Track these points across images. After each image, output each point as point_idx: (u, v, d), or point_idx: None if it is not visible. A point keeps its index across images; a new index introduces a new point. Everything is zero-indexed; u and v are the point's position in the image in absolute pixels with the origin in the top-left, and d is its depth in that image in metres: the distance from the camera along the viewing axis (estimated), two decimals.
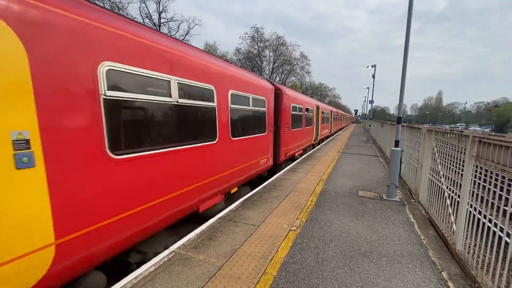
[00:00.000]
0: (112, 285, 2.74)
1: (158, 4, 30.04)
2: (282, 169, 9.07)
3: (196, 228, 4.15)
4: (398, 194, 6.06)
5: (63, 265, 2.38)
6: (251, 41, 53.08)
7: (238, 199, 5.59)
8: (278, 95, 8.68)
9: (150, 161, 3.24)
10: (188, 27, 33.38)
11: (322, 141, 19.83)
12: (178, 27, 33.16)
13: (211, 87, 4.54)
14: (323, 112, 18.54)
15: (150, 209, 3.27)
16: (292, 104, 9.88)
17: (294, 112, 10.14)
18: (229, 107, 5.20)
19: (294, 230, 4.10)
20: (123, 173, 2.89)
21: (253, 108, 6.47)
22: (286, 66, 58.70)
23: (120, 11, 21.30)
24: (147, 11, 29.87)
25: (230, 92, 5.21)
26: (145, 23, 29.81)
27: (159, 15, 30.74)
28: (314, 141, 15.48)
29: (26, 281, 2.15)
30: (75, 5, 2.46)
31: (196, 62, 4.17)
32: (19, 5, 2.02)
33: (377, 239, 3.90)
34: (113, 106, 2.76)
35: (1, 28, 1.92)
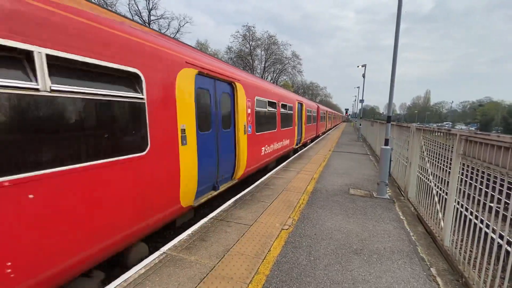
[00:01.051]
0: None
1: (148, 1, 29.55)
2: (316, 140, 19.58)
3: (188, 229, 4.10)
4: (388, 191, 6.17)
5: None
6: (242, 40, 52.89)
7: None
8: (317, 107, 21.43)
9: (308, 126, 16.27)
10: (179, 25, 33.01)
11: (326, 132, 30.51)
12: (169, 25, 32.69)
13: (315, 110, 20.05)
14: (329, 114, 35.06)
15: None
16: (321, 111, 23.24)
17: (321, 115, 23.59)
18: (318, 115, 21.35)
19: (287, 229, 4.11)
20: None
21: (313, 114, 18.65)
22: (278, 65, 58.81)
23: (109, 7, 20.79)
24: (137, 8, 29.34)
25: (316, 109, 20.21)
26: (134, 20, 29.36)
27: (149, 12, 30.26)
28: (325, 129, 29.16)
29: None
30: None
31: (310, 104, 17.88)
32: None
33: (368, 236, 3.95)
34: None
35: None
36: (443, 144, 4.00)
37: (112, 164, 2.81)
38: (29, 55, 2.11)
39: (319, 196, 5.83)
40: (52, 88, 2.24)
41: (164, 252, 3.37)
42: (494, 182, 2.55)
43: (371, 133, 16.43)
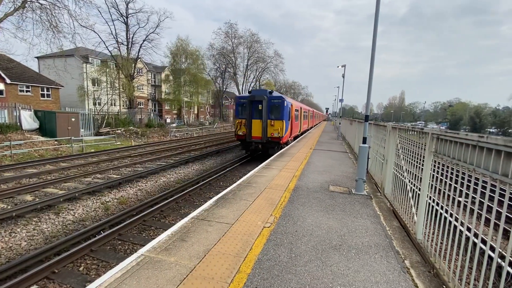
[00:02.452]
0: None
1: None
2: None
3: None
4: (365, 188, 6.38)
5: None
6: (225, 37, 52.35)
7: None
8: (313, 111, 40.62)
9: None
10: (159, 19, 32.02)
11: (313, 127, 40.24)
12: (148, 19, 31.58)
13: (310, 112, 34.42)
14: (314, 113, 46.03)
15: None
16: (312, 112, 37.21)
17: (314, 115, 44.77)
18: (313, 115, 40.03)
19: (268, 227, 4.13)
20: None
21: (310, 114, 33.69)
22: (260, 64, 58.80)
23: None
24: (113, 0, 28.02)
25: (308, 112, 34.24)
26: (111, 13, 27.83)
27: (127, 5, 29.04)
28: (312, 124, 38.58)
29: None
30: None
31: (315, 111, 49.18)
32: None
33: (347, 232, 4.06)
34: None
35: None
36: (416, 142, 4.18)
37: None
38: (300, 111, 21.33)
39: (300, 193, 5.90)
40: (303, 114, 24.53)
41: (142, 254, 3.25)
42: (463, 178, 2.70)
43: (350, 132, 16.93)
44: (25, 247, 5.36)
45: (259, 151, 14.96)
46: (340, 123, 24.30)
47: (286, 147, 14.40)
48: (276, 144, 14.05)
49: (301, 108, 21.71)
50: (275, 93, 14.21)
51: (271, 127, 13.71)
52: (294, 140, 18.32)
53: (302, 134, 23.93)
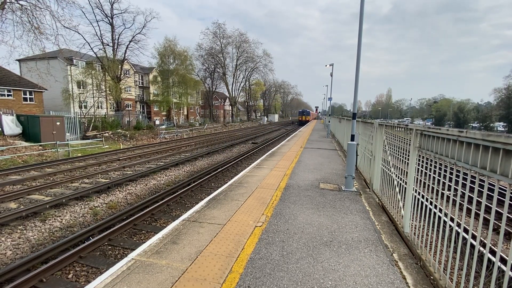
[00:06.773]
0: None
1: None
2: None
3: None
4: (355, 184, 6.49)
5: None
6: (213, 37, 52.11)
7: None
8: (310, 112, 73.57)
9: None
10: (145, 20, 31.48)
11: (309, 121, 60.13)
12: (134, 20, 31.06)
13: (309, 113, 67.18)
14: (311, 113, 74.65)
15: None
16: (310, 112, 70.66)
17: (311, 114, 74.81)
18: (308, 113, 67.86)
19: (260, 226, 4.15)
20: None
21: (311, 114, 70.73)
22: (250, 64, 58.86)
23: None
24: (97, 0, 27.38)
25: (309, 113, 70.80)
26: (95, 14, 27.20)
27: (111, 6, 28.44)
28: (310, 119, 65.81)
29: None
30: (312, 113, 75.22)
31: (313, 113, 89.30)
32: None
33: (337, 228, 4.13)
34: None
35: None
36: (402, 138, 4.30)
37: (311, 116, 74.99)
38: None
39: (291, 191, 5.96)
40: (310, 113, 74.34)
41: (132, 259, 3.21)
42: (445, 172, 2.79)
43: (339, 130, 17.17)
44: (10, 256, 5.18)
45: (303, 124, 51.81)
46: (329, 121, 24.59)
47: (278, 146, 14.47)
48: (308, 121, 56.05)
49: (309, 111, 61.44)
50: (307, 110, 64.19)
51: (306, 117, 57.95)
52: (310, 120, 60.22)
53: (310, 121, 57.72)
